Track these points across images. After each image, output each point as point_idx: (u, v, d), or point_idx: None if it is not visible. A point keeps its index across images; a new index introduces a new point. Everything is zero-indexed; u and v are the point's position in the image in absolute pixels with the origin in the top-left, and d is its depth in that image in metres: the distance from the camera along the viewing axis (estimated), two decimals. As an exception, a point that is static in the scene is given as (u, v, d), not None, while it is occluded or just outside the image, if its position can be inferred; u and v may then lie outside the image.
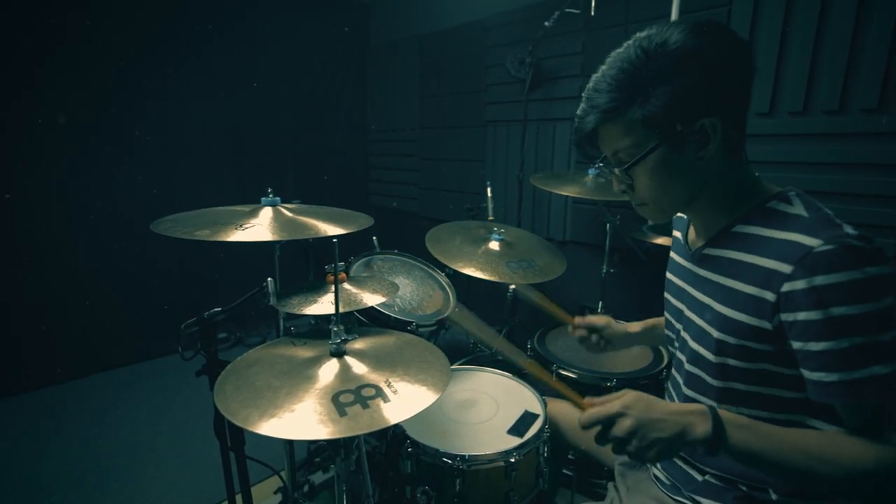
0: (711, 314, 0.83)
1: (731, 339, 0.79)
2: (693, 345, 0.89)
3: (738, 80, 0.77)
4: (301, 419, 0.83)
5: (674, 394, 1.00)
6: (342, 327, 1.03)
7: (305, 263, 1.66)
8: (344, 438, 1.08)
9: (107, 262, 2.80)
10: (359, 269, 1.74)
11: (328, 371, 0.97)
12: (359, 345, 1.08)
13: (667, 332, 1.04)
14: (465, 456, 1.12)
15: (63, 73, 2.54)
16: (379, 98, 3.80)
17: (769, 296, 0.73)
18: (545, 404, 1.31)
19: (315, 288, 1.24)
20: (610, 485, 1.12)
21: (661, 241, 1.74)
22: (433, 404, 0.90)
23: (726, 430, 0.71)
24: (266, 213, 1.22)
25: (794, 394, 0.77)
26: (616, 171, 0.85)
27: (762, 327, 0.75)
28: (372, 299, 1.21)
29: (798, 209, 0.77)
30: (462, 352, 1.73)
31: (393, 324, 1.52)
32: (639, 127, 0.77)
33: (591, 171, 1.91)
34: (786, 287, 0.71)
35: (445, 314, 1.65)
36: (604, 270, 2.05)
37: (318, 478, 1.76)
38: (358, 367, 0.99)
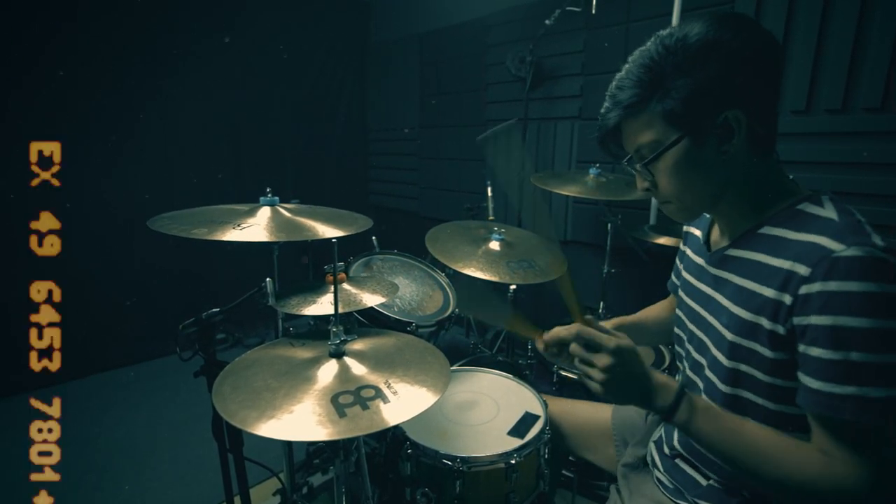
0: (727, 316, 0.81)
1: (744, 342, 0.77)
2: (713, 350, 0.86)
3: (762, 73, 0.75)
4: (300, 420, 0.82)
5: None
6: (341, 328, 1.02)
7: (304, 263, 1.65)
8: (343, 440, 1.07)
9: (104, 262, 2.78)
10: (358, 270, 1.73)
11: (327, 372, 0.96)
12: (358, 346, 1.07)
13: (677, 331, 1.02)
14: (465, 457, 1.11)
15: (60, 72, 2.52)
16: (378, 97, 3.79)
17: (787, 299, 0.71)
18: (546, 405, 1.29)
19: (314, 288, 1.23)
20: (612, 487, 1.11)
21: (663, 240, 1.73)
22: (433, 405, 0.89)
23: (680, 407, 0.75)
24: (264, 213, 1.21)
25: (801, 411, 0.74)
26: (638, 167, 0.83)
27: (777, 332, 0.73)
28: (371, 300, 1.20)
29: (829, 212, 0.74)
30: (462, 353, 1.72)
31: (393, 324, 1.51)
32: (660, 121, 0.76)
33: (593, 171, 1.90)
34: (803, 290, 0.69)
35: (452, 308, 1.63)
36: (605, 270, 2.04)
37: (317, 479, 1.75)
38: (357, 368, 0.98)
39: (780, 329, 0.72)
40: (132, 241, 2.80)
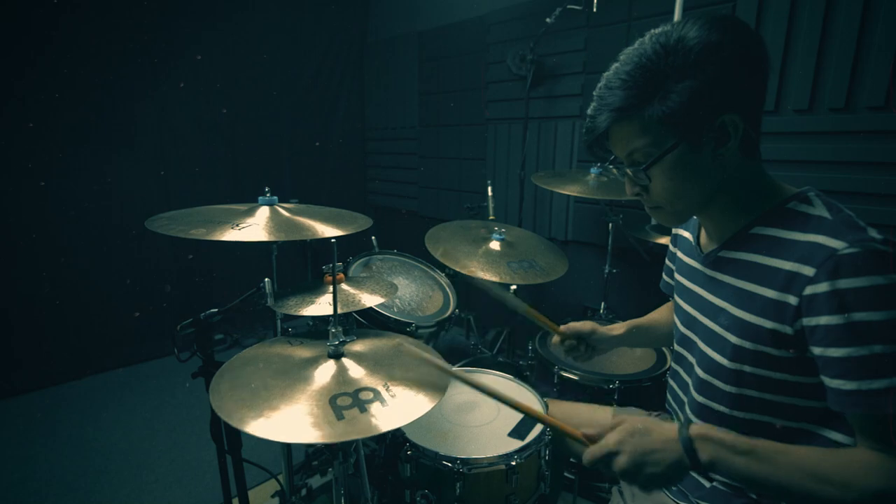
0: (727, 318, 0.81)
1: (748, 345, 0.77)
2: (705, 348, 0.86)
3: (755, 76, 0.75)
4: (298, 422, 0.81)
5: (679, 392, 0.98)
6: (340, 329, 1.01)
7: (304, 263, 1.64)
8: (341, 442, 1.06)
9: (102, 262, 2.78)
10: (357, 270, 1.72)
11: (325, 373, 0.95)
12: (357, 347, 1.06)
13: (675, 332, 1.01)
14: (465, 459, 1.10)
15: (56, 72, 2.51)
16: (377, 95, 3.77)
17: (791, 299, 0.71)
18: (546, 406, 1.28)
19: (313, 289, 1.22)
20: (614, 489, 1.10)
21: (665, 240, 1.72)
22: (433, 407, 0.88)
23: (695, 445, 0.69)
24: (263, 213, 1.20)
25: (809, 402, 0.75)
26: (629, 172, 0.81)
27: (782, 332, 0.73)
28: (370, 300, 1.19)
29: (820, 210, 0.74)
30: (462, 353, 1.71)
31: (392, 325, 1.50)
32: (656, 125, 0.74)
33: (594, 171, 1.89)
34: (808, 290, 0.69)
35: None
36: (606, 270, 2.03)
37: (315, 481, 1.74)
38: (356, 370, 0.97)
39: (788, 329, 0.72)
40: (129, 242, 2.79)
